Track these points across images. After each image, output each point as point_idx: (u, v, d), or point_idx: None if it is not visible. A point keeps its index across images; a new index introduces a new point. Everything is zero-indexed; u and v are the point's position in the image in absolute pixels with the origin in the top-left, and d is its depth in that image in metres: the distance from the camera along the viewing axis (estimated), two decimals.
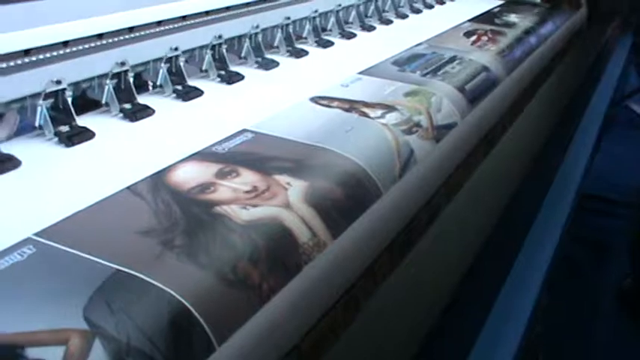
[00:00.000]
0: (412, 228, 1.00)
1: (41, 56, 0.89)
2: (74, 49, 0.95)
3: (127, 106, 0.99)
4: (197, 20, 1.18)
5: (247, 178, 0.79)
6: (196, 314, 0.58)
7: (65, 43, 0.93)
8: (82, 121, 0.93)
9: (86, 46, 0.97)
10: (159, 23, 1.10)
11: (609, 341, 1.98)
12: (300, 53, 1.37)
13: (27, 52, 0.87)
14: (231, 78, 1.18)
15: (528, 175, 1.39)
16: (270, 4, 1.36)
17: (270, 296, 0.66)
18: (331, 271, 0.77)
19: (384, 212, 0.90)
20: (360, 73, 1.24)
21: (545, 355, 1.52)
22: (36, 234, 0.63)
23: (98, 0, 0.98)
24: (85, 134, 0.90)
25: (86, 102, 1.01)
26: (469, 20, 1.79)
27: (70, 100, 0.92)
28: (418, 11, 1.89)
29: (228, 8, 1.25)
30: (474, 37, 1.59)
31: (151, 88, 1.12)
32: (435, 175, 1.09)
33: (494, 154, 1.33)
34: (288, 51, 1.37)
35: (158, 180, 0.76)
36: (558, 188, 1.46)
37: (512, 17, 1.87)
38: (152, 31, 1.08)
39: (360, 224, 0.83)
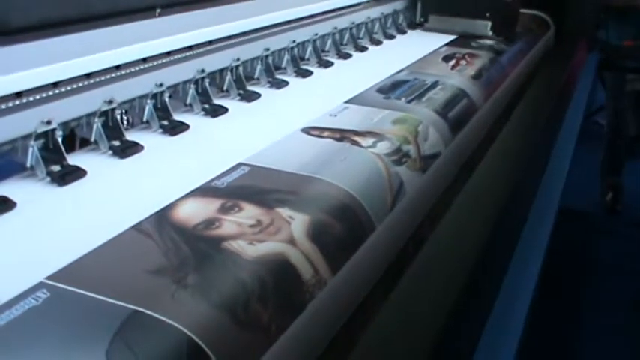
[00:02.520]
0: (401, 258, 1.01)
1: (32, 98, 0.90)
2: (63, 89, 0.95)
3: (116, 143, 1.00)
4: (181, 55, 1.19)
5: (250, 212, 0.79)
6: (211, 355, 0.58)
7: (55, 84, 0.93)
8: (72, 159, 0.93)
9: (75, 85, 0.97)
10: (144, 60, 1.10)
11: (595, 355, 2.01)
12: (280, 84, 1.39)
13: (19, 95, 0.87)
14: (216, 111, 1.19)
15: (510, 196, 1.40)
16: (250, 36, 1.37)
17: (277, 336, 0.67)
18: (331, 307, 0.78)
19: (377, 245, 0.91)
20: (347, 102, 1.26)
21: None
22: (48, 277, 0.63)
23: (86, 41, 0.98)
24: (77, 173, 0.90)
25: (74, 141, 1.02)
26: (445, 45, 1.82)
27: (60, 139, 0.92)
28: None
29: (210, 42, 1.26)
30: (452, 62, 1.62)
31: (125, 124, 1.13)
32: (422, 205, 1.11)
33: (474, 177, 1.35)
34: (269, 82, 1.39)
35: (162, 217, 0.76)
36: (540, 206, 1.48)
37: (486, 40, 1.91)
38: (138, 68, 1.09)
39: (356, 259, 0.84)
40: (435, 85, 1.41)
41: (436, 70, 1.54)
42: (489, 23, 1.94)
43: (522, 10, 2.20)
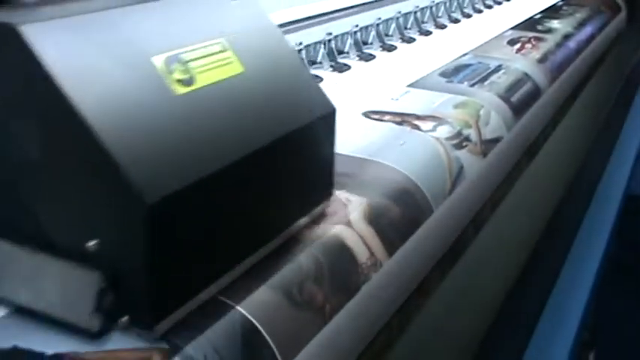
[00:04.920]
0: (459, 242, 1.01)
1: None
2: None
3: None
4: None
5: None
6: (266, 335, 0.60)
7: None
8: None
9: None
10: None
11: None
12: (342, 68, 1.39)
13: None
14: None
15: (573, 182, 1.39)
16: (313, 20, 1.38)
17: (332, 316, 0.68)
18: (386, 290, 0.79)
19: (434, 229, 0.91)
20: (409, 85, 1.26)
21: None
22: None
23: None
24: None
25: None
26: (511, 28, 1.80)
27: None
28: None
29: None
30: (517, 45, 1.60)
31: None
32: (482, 190, 1.10)
33: (536, 162, 1.33)
34: (331, 66, 1.39)
35: None
36: (604, 192, 1.46)
37: (554, 23, 1.87)
38: None
39: (412, 242, 0.85)
40: (498, 69, 1.40)
41: (500, 54, 1.53)
42: None
43: None
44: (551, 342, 1.06)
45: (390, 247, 0.81)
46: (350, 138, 0.99)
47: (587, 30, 1.95)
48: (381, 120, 1.08)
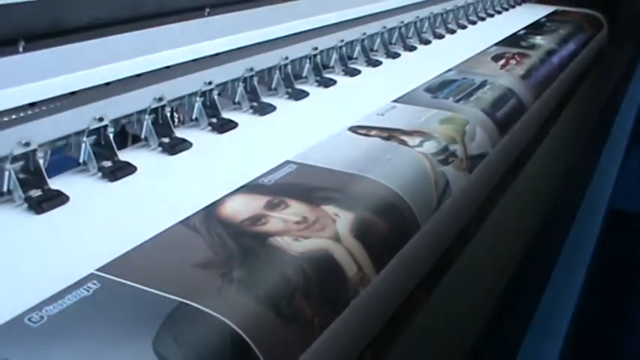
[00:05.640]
0: (445, 257, 1.01)
1: (84, 96, 0.92)
2: (115, 87, 0.98)
3: (166, 139, 1.02)
4: (230, 54, 1.20)
5: (296, 209, 0.80)
6: (255, 349, 0.59)
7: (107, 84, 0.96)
8: (123, 155, 0.95)
9: (126, 83, 1.00)
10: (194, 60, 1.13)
11: None
12: (327, 83, 1.40)
13: (73, 93, 0.90)
14: (264, 109, 1.20)
15: (558, 197, 1.39)
16: (299, 36, 1.39)
17: (320, 331, 0.68)
18: (374, 305, 0.79)
19: (421, 244, 0.91)
20: (395, 100, 1.26)
21: None
22: (99, 269, 0.65)
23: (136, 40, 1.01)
24: (128, 168, 0.93)
25: (126, 137, 1.05)
26: (495, 44, 1.81)
27: (111, 136, 0.95)
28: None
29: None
30: (502, 61, 1.61)
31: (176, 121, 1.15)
32: (468, 206, 1.10)
33: (521, 178, 1.34)
34: (316, 81, 1.40)
35: (210, 213, 0.78)
36: (589, 207, 1.47)
37: (538, 39, 1.89)
38: (187, 66, 1.11)
39: (399, 257, 0.85)
40: (483, 84, 1.40)
41: (485, 70, 1.54)
42: None
43: (574, 9, 2.18)
44: (538, 355, 1.06)
45: (378, 263, 0.80)
46: (337, 153, 0.99)
47: (570, 46, 1.97)
48: (368, 135, 1.08)
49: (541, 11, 2.36)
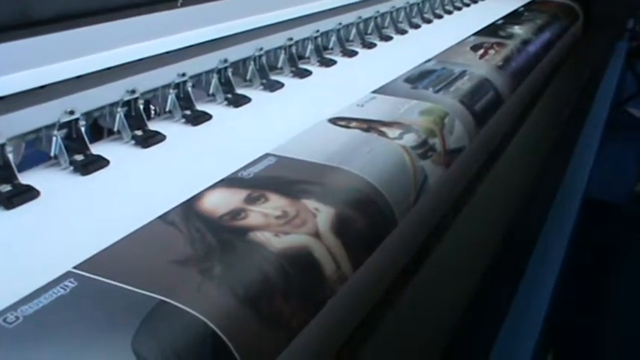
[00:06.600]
0: (421, 251, 1.00)
1: (54, 89, 0.91)
2: (86, 79, 0.96)
3: (139, 132, 1.01)
4: (204, 45, 1.19)
5: (276, 203, 0.79)
6: (233, 350, 0.58)
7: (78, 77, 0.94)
8: (95, 149, 0.94)
9: (97, 75, 0.98)
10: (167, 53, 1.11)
11: (619, 344, 1.99)
12: (303, 74, 1.39)
13: (43, 87, 0.88)
14: (238, 101, 1.19)
15: (533, 187, 1.40)
16: (274, 26, 1.38)
17: (298, 332, 0.67)
18: (351, 303, 0.78)
19: (397, 242, 0.90)
20: (374, 92, 1.25)
21: None
22: (76, 267, 0.63)
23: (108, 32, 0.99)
24: (100, 162, 0.91)
25: (101, 131, 1.03)
26: (474, 34, 1.81)
27: (83, 129, 0.93)
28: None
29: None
30: (481, 51, 1.61)
31: (153, 113, 1.14)
32: (444, 201, 1.10)
33: (497, 169, 1.34)
34: (292, 71, 1.39)
35: (188, 208, 0.76)
36: (564, 196, 1.47)
37: (515, 29, 1.89)
38: (160, 58, 1.10)
39: (376, 255, 0.84)
40: (462, 74, 1.40)
41: (464, 60, 1.53)
42: None
43: None
44: (515, 345, 1.06)
45: (356, 260, 0.80)
46: (317, 145, 0.98)
47: (547, 36, 1.98)
48: (348, 127, 1.07)
49: (517, 1, 2.36)
